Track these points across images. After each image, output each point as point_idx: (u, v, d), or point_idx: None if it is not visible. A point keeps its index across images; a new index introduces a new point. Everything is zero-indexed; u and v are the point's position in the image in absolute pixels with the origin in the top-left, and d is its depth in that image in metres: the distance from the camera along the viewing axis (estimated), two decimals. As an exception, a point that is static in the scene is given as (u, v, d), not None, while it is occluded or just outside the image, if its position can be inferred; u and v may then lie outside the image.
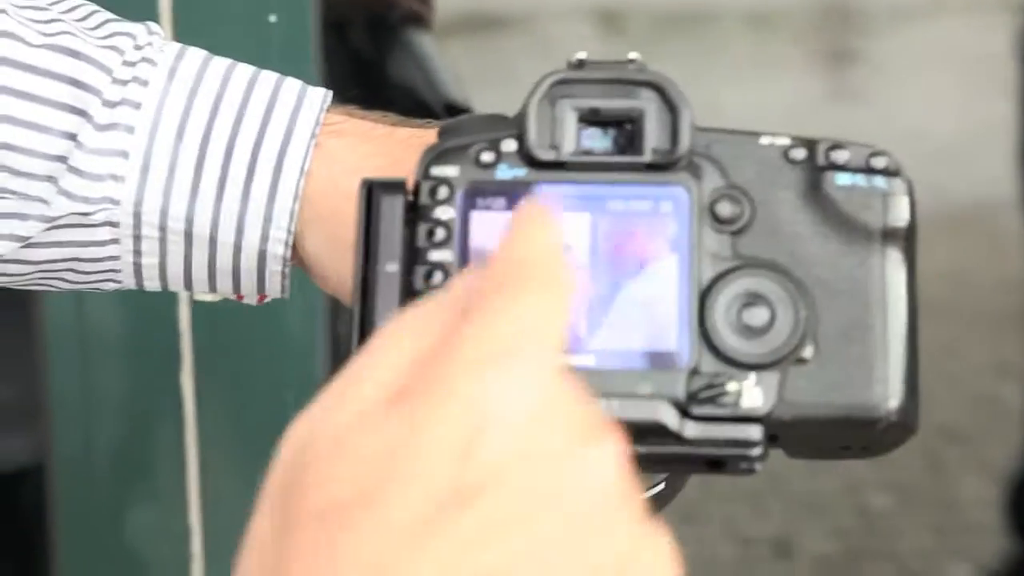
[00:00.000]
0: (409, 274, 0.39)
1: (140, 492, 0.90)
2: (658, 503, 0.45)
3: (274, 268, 0.48)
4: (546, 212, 0.31)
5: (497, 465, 0.28)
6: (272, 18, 0.81)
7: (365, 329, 0.39)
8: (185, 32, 0.80)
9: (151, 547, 0.91)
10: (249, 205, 0.47)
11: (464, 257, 0.39)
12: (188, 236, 0.47)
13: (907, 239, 0.39)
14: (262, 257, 0.47)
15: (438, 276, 0.39)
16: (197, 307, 0.86)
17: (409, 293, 0.39)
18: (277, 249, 0.47)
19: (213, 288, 0.49)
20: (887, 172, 0.39)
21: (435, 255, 0.39)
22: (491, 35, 3.31)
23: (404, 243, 0.39)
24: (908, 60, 3.07)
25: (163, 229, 0.47)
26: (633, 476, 0.29)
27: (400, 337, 0.30)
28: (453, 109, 1.00)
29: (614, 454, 0.29)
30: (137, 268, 0.48)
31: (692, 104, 0.39)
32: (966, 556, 1.76)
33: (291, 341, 0.86)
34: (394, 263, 0.39)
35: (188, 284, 0.49)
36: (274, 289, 0.49)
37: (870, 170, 0.39)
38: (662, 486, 0.45)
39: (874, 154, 0.39)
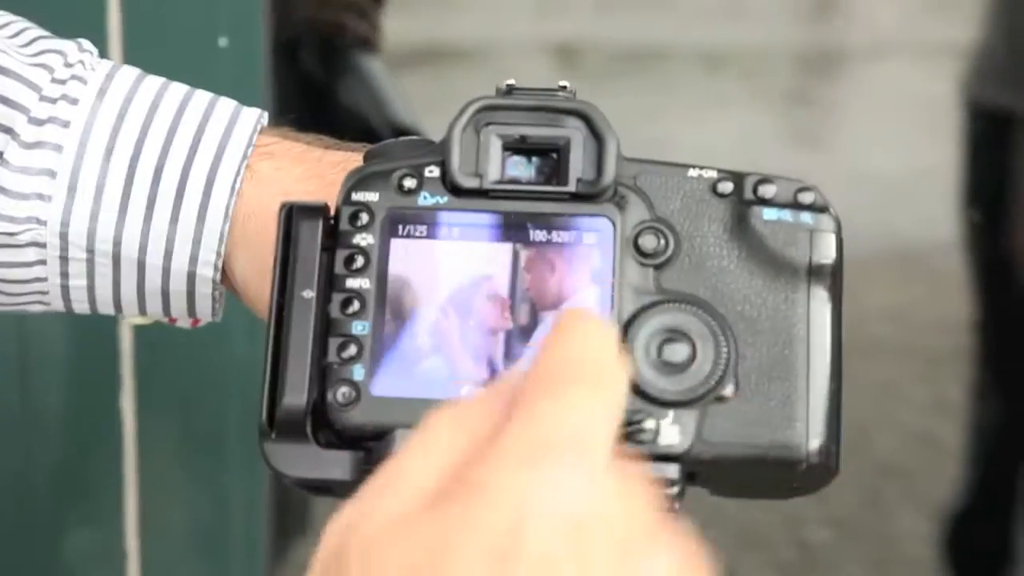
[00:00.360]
0: (326, 301, 0.38)
1: (78, 514, 0.90)
2: None
3: (204, 291, 0.47)
4: (593, 314, 0.30)
5: (538, 566, 0.27)
6: (222, 42, 0.82)
7: (277, 356, 0.38)
8: (134, 55, 0.81)
9: (88, 569, 0.90)
10: (178, 227, 0.46)
11: (383, 285, 0.38)
12: (116, 259, 0.46)
13: (833, 276, 0.38)
14: (191, 279, 0.47)
15: (355, 304, 0.38)
16: (138, 327, 0.86)
17: (324, 321, 0.38)
18: (207, 271, 0.46)
19: (143, 311, 0.48)
20: (814, 208, 0.39)
21: (353, 282, 0.38)
22: (447, 68, 3.33)
23: (322, 269, 0.38)
24: (857, 103, 3.13)
25: (91, 251, 0.46)
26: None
27: (441, 433, 0.29)
28: (401, 133, 1.02)
29: (672, 566, 0.28)
30: (65, 290, 0.47)
31: (618, 135, 0.39)
32: (903, 590, 1.78)
33: (233, 362, 0.86)
34: (311, 289, 0.38)
35: (118, 307, 0.48)
36: (205, 312, 0.48)
37: (797, 205, 0.39)
38: None
39: (801, 189, 0.39)
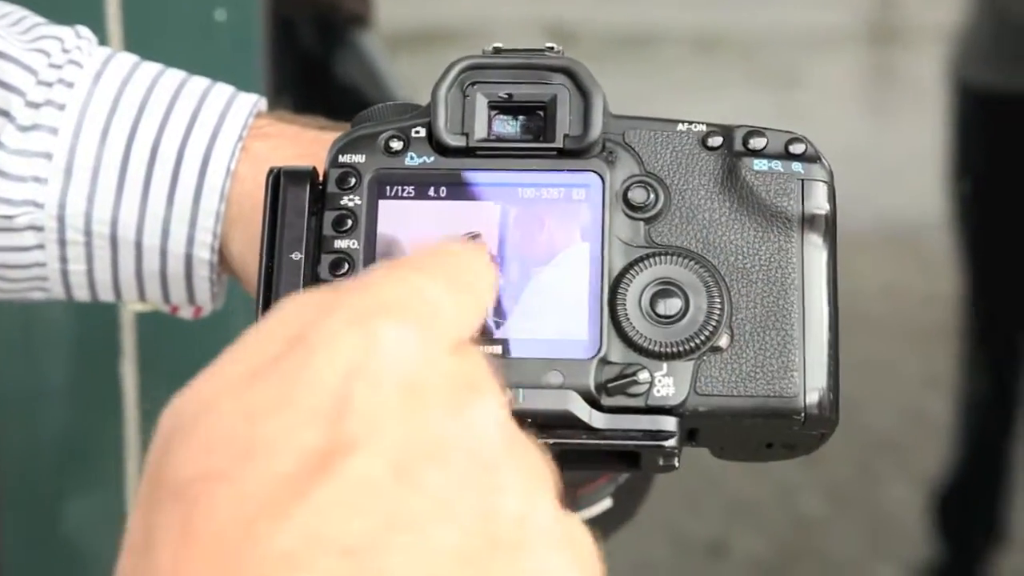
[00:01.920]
0: (315, 263, 0.38)
1: (80, 481, 0.91)
2: (608, 524, 0.43)
3: (202, 273, 0.46)
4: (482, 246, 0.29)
5: (370, 422, 0.25)
6: (219, 15, 0.82)
7: None
8: (132, 28, 0.82)
9: (90, 535, 0.92)
10: (174, 207, 0.46)
11: (371, 246, 0.37)
12: (113, 240, 0.46)
13: (826, 225, 0.38)
14: (189, 261, 0.46)
15: (344, 265, 0.37)
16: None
17: (314, 282, 0.37)
18: (203, 253, 0.46)
19: (142, 296, 0.48)
20: (805, 157, 0.38)
21: (341, 243, 0.37)
22: (441, 50, 3.33)
23: (310, 232, 0.38)
24: (847, 84, 3.14)
25: (88, 234, 0.46)
26: (519, 430, 0.27)
27: (284, 314, 0.27)
28: None
29: (497, 407, 0.27)
30: (64, 275, 0.47)
31: (604, 90, 0.38)
32: (894, 559, 1.80)
33: (234, 330, 0.87)
34: (299, 251, 0.38)
35: (117, 292, 0.48)
36: (204, 297, 0.48)
37: (788, 155, 0.38)
38: (608, 503, 0.43)
39: (792, 140, 0.38)
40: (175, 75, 0.47)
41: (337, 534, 0.24)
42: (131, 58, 0.48)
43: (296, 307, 0.27)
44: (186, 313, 0.50)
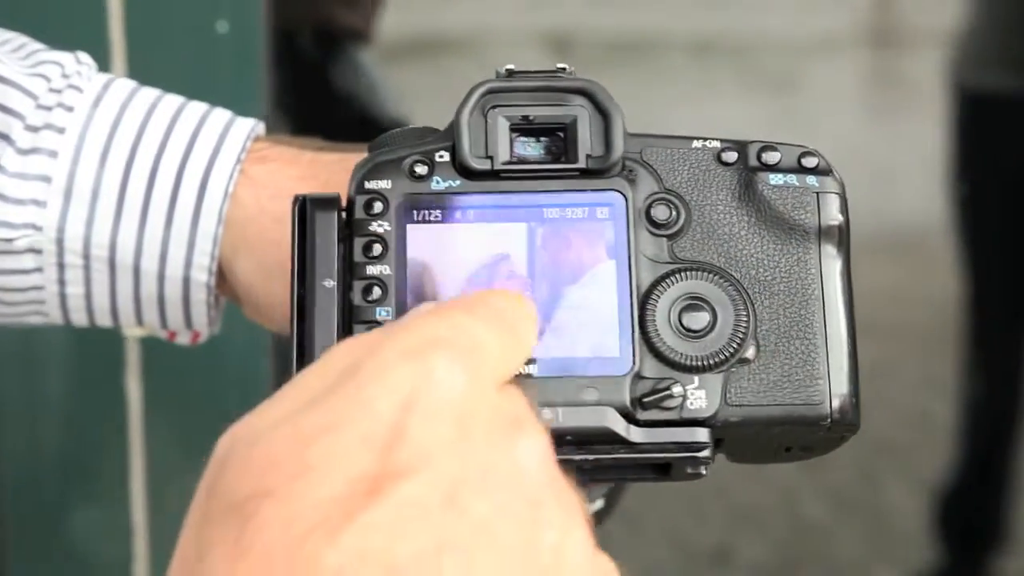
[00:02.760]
0: (348, 290, 0.38)
1: (84, 492, 0.91)
2: (597, 518, 0.45)
3: (199, 297, 0.47)
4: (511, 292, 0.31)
5: (422, 451, 0.27)
6: (222, 26, 0.82)
7: (304, 346, 0.38)
8: (134, 39, 0.82)
9: (95, 546, 0.92)
10: (172, 230, 0.46)
11: (403, 270, 0.38)
12: (112, 264, 0.46)
13: (841, 235, 0.39)
14: (186, 284, 0.47)
15: (377, 291, 0.38)
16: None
17: (348, 309, 0.38)
18: (201, 276, 0.46)
19: (140, 320, 0.48)
20: (818, 171, 0.40)
21: (373, 269, 0.38)
22: (441, 58, 3.34)
23: (340, 258, 0.38)
24: (845, 88, 3.15)
25: (87, 257, 0.46)
26: (558, 468, 0.29)
27: (338, 351, 0.29)
28: (392, 125, 1.03)
29: (541, 445, 0.28)
30: (63, 299, 0.47)
31: (622, 109, 0.39)
32: (896, 564, 1.80)
33: (237, 341, 0.87)
34: (331, 279, 0.38)
35: (115, 316, 0.48)
36: (201, 321, 0.48)
37: (802, 169, 0.40)
38: (601, 503, 0.45)
39: (805, 153, 0.40)
40: (174, 100, 0.48)
41: (385, 554, 0.26)
42: (130, 83, 0.48)
43: (349, 345, 0.29)
44: (184, 339, 0.50)
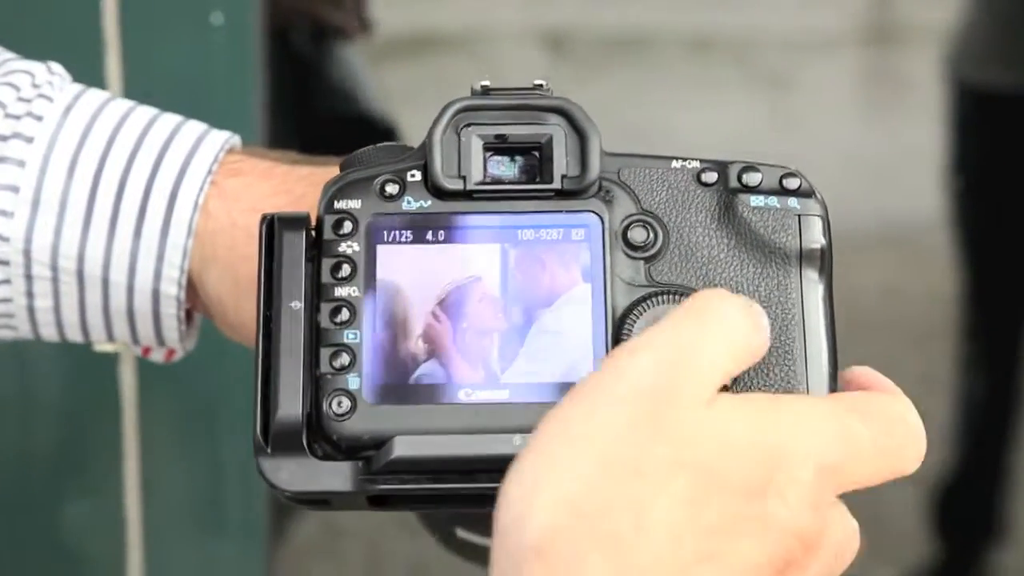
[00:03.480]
0: (315, 311, 0.38)
1: (77, 484, 0.91)
2: None
3: (169, 310, 0.46)
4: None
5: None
6: (216, 19, 0.82)
7: (268, 367, 0.37)
8: (129, 32, 0.82)
9: (88, 539, 0.92)
10: (141, 242, 0.45)
11: (372, 292, 0.37)
12: (80, 276, 0.46)
13: (823, 259, 0.39)
14: (156, 297, 0.46)
15: (345, 313, 0.37)
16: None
17: (315, 331, 0.37)
18: (170, 288, 0.46)
19: (111, 335, 0.47)
20: (800, 193, 0.39)
21: (341, 291, 0.37)
22: (436, 56, 3.34)
23: (308, 279, 0.38)
24: (841, 85, 3.15)
25: (55, 268, 0.46)
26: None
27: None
28: (372, 124, 1.03)
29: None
30: (31, 312, 0.47)
31: (599, 129, 0.38)
32: (892, 559, 1.80)
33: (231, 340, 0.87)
34: (298, 300, 0.38)
35: (85, 331, 0.47)
36: (172, 336, 0.47)
37: (783, 191, 0.39)
38: None
39: (786, 175, 0.39)
40: (146, 111, 0.47)
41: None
42: (102, 94, 0.47)
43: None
44: (158, 356, 0.49)
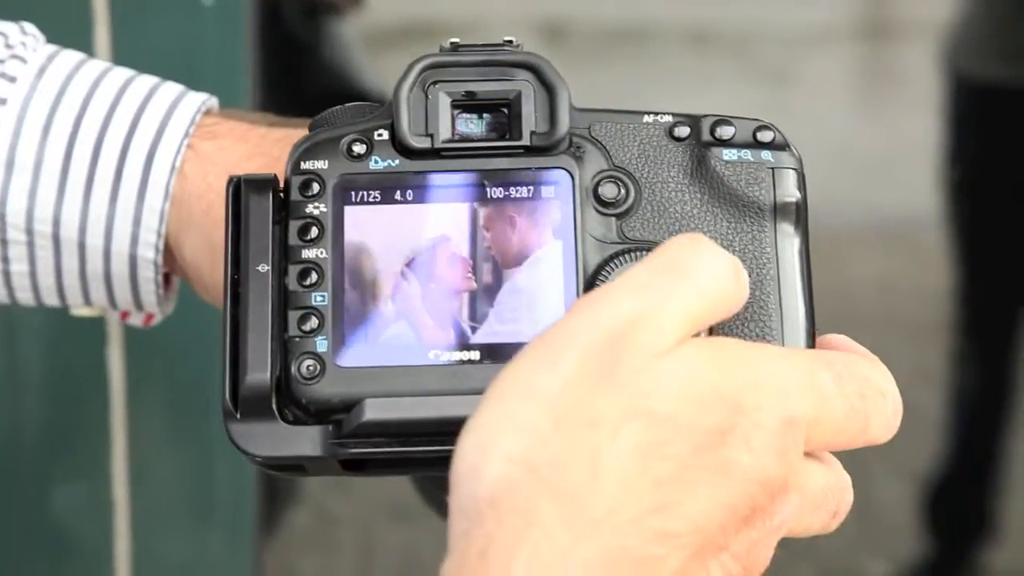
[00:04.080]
0: (282, 274, 0.37)
1: (66, 467, 0.91)
2: None
3: (147, 275, 0.46)
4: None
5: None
6: (207, 1, 0.82)
7: (236, 334, 0.37)
8: (120, 12, 0.82)
9: (76, 522, 0.92)
10: (117, 206, 0.45)
11: (339, 254, 0.37)
12: (56, 240, 0.45)
13: (798, 213, 0.38)
14: (133, 262, 0.45)
15: (313, 275, 0.37)
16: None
17: (283, 293, 0.37)
18: (148, 252, 0.45)
19: (87, 299, 0.47)
20: (774, 145, 0.39)
21: (309, 253, 0.37)
22: (434, 46, 3.33)
23: (276, 241, 0.37)
24: (838, 79, 3.15)
25: (30, 232, 0.45)
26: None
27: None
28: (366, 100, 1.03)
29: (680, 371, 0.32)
30: (7, 277, 0.46)
31: (568, 85, 0.38)
32: (884, 555, 1.80)
33: (219, 313, 0.87)
34: (266, 263, 0.37)
35: (61, 295, 0.47)
36: (150, 301, 0.46)
37: (757, 144, 0.38)
38: None
39: (760, 128, 0.39)
40: (121, 73, 0.46)
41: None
42: (77, 55, 0.46)
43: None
44: (136, 320, 0.48)
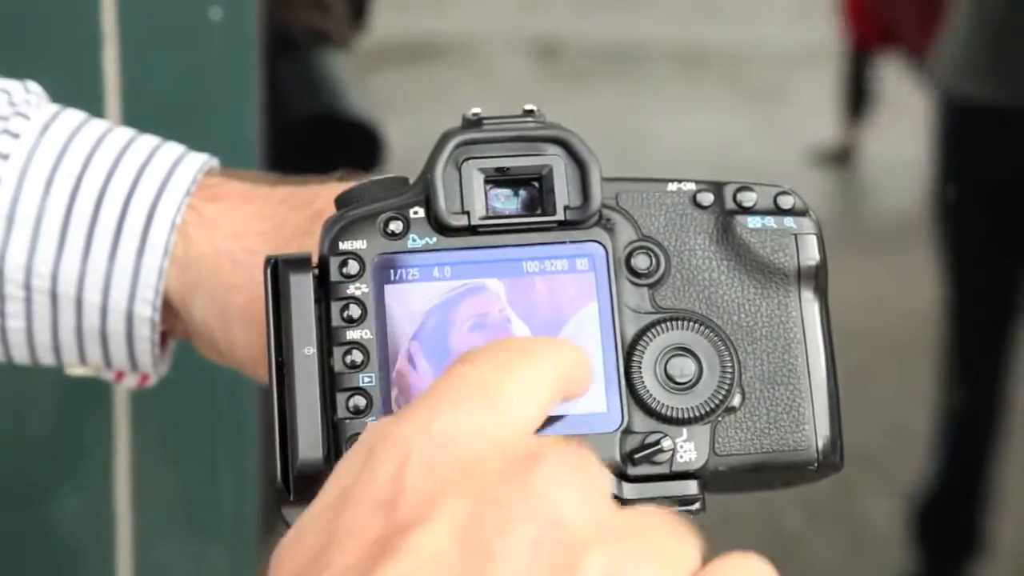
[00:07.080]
0: (327, 355, 0.37)
1: (69, 478, 0.91)
2: None
3: (143, 333, 0.45)
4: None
5: (425, 498, 0.28)
6: (215, 14, 0.82)
7: (285, 416, 0.37)
8: (127, 27, 0.82)
9: (78, 533, 0.92)
10: (116, 262, 0.45)
11: (383, 333, 0.37)
12: (53, 296, 0.45)
13: (819, 276, 0.39)
14: (130, 319, 0.45)
15: (358, 355, 0.37)
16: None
17: (329, 375, 0.37)
18: (144, 310, 0.45)
19: (83, 358, 0.47)
20: (795, 212, 0.39)
21: (353, 334, 0.37)
22: (429, 64, 3.35)
23: (317, 320, 0.37)
24: (829, 99, 3.17)
25: (28, 288, 0.45)
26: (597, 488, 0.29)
27: (357, 445, 0.30)
28: (356, 126, 1.02)
29: (559, 470, 0.29)
30: (3, 333, 0.46)
31: (598, 158, 0.38)
32: (873, 572, 1.81)
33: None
34: (311, 346, 0.37)
35: (57, 353, 0.46)
36: (145, 360, 0.46)
37: (779, 211, 0.39)
38: None
39: (781, 193, 0.39)
40: (123, 133, 0.47)
41: None
42: (80, 114, 0.47)
43: (366, 432, 0.30)
44: (131, 381, 0.48)
